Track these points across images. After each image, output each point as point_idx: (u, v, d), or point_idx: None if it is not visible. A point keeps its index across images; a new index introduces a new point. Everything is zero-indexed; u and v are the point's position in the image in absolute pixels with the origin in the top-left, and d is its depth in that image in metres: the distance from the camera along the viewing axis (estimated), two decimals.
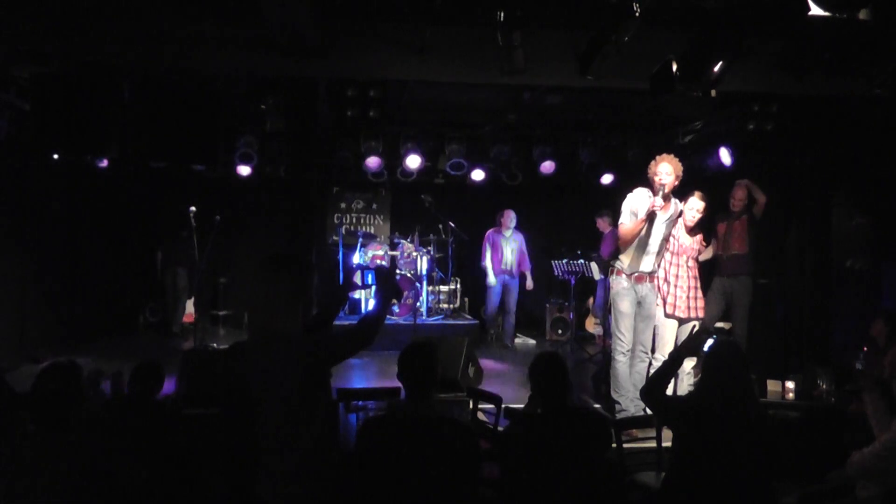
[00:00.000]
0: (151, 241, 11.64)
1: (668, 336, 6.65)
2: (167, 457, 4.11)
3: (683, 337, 6.56)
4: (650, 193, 6.31)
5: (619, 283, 6.41)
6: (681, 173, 6.30)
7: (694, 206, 6.84)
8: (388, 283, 3.52)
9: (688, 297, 6.75)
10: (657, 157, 6.32)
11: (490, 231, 10.72)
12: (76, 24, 6.10)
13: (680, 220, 6.79)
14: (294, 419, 3.05)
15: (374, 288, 3.75)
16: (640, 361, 6.40)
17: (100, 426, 3.54)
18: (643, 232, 6.27)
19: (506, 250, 10.59)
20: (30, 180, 9.05)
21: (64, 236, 10.05)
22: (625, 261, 6.39)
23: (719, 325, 8.21)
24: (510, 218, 10.64)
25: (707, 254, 7.68)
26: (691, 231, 6.93)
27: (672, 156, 6.32)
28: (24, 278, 8.94)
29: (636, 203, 6.31)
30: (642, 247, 6.34)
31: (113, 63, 6.39)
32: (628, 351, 6.36)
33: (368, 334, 3.25)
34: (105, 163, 9.84)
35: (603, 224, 10.79)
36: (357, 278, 3.78)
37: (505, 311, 10.75)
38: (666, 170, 6.21)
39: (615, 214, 6.75)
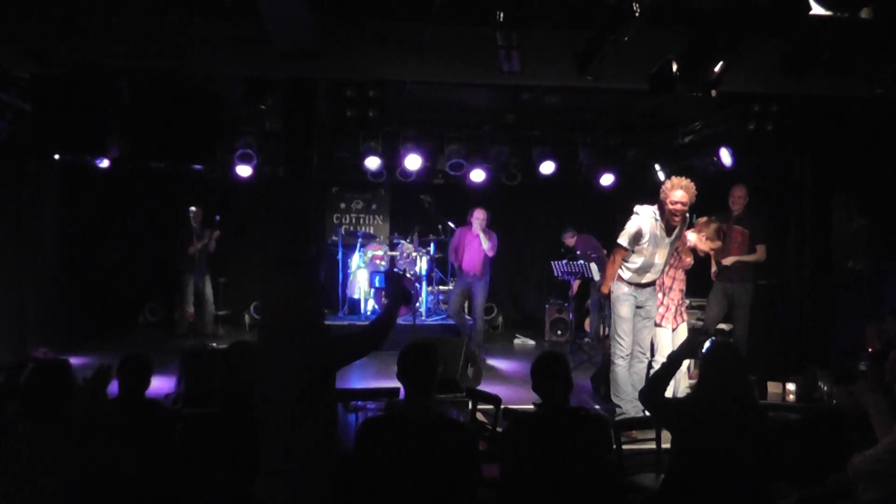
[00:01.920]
0: (153, 242, 11.66)
1: (665, 341, 6.67)
2: (166, 456, 4.09)
3: (680, 338, 6.57)
4: (656, 215, 6.23)
5: (620, 289, 6.37)
6: (694, 198, 6.17)
7: (711, 241, 7.04)
8: (399, 286, 3.53)
9: (676, 308, 6.83)
10: (672, 181, 6.16)
11: (458, 230, 10.17)
12: (76, 25, 6.11)
13: (689, 237, 6.86)
14: (296, 419, 3.04)
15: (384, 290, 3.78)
16: (638, 362, 6.39)
17: (97, 423, 3.52)
18: (647, 254, 6.28)
19: (469, 250, 9.92)
20: (30, 180, 9.04)
21: (64, 236, 10.05)
22: (626, 273, 6.35)
23: (720, 326, 8.20)
24: (477, 218, 9.93)
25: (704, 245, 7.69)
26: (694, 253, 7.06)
27: (687, 180, 6.16)
28: (24, 278, 8.94)
29: (641, 226, 6.22)
30: (647, 267, 6.31)
31: (112, 63, 6.39)
32: (628, 355, 6.33)
33: (378, 337, 3.27)
34: (105, 163, 9.86)
35: (569, 239, 10.86)
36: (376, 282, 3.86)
37: (472, 315, 10.11)
38: (681, 199, 6.07)
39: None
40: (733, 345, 4.27)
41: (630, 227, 6.27)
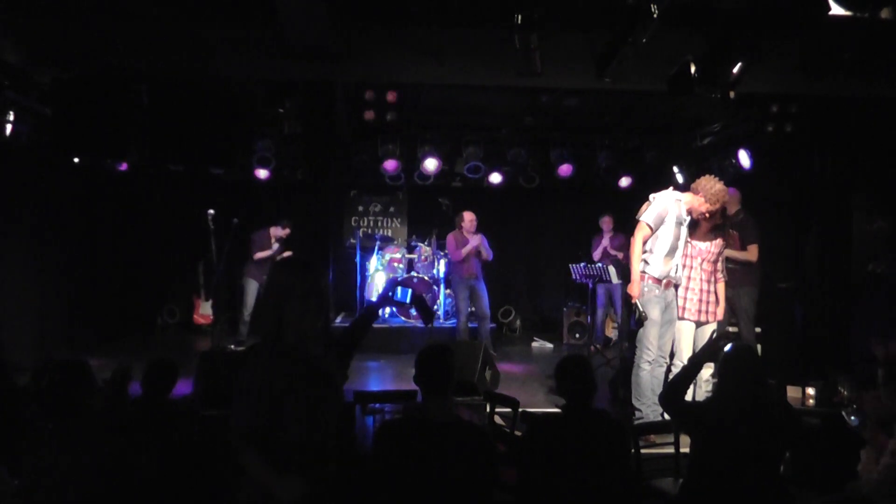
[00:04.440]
0: (171, 244, 11.75)
1: (685, 340, 6.50)
2: (183, 456, 4.12)
3: (701, 340, 6.46)
4: (679, 196, 6.35)
5: (652, 291, 6.25)
6: None
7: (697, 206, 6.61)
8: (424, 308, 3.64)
9: (699, 301, 6.49)
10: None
11: (451, 235, 10.13)
12: (96, 29, 6.15)
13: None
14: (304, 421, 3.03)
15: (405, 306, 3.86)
16: (658, 366, 6.31)
17: (115, 423, 3.55)
18: (672, 236, 6.26)
19: (468, 254, 9.96)
20: (50, 183, 9.12)
21: (83, 239, 10.13)
22: (655, 266, 6.25)
23: (733, 329, 8.12)
24: (469, 220, 10.04)
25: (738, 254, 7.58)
26: (705, 233, 6.62)
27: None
28: (43, 279, 9.02)
29: (665, 205, 6.26)
30: (672, 251, 6.26)
31: (132, 67, 6.43)
32: (654, 360, 6.26)
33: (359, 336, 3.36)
34: (124, 166, 9.93)
35: (606, 224, 10.79)
36: (398, 294, 3.87)
37: (479, 318, 10.06)
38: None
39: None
40: (751, 348, 4.24)
41: (656, 206, 6.28)
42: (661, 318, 6.28)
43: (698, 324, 6.48)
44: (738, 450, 3.55)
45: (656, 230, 6.26)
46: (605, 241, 10.72)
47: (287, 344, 2.91)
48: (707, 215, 6.32)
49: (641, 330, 6.31)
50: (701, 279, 6.48)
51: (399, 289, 4.46)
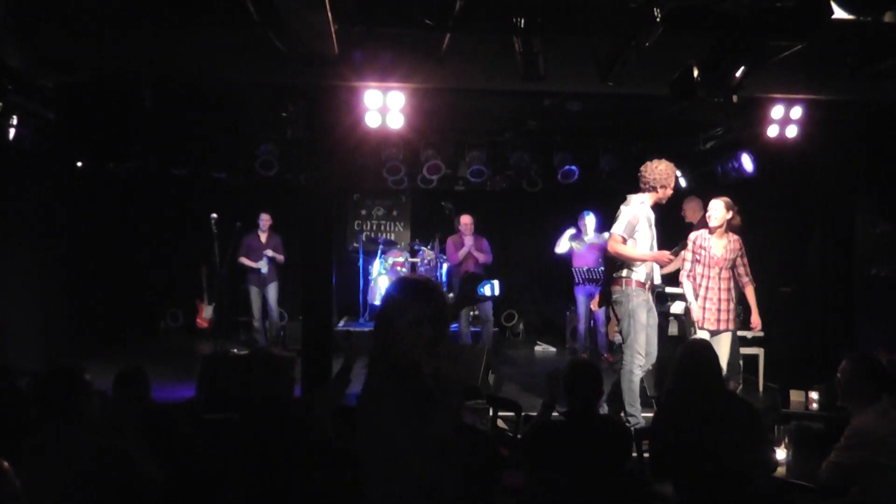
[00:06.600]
0: (174, 248, 11.77)
1: (724, 348, 6.48)
2: (185, 460, 4.11)
3: (717, 348, 6.36)
4: (644, 200, 6.41)
5: (639, 295, 6.27)
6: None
7: (715, 210, 6.56)
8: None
9: (718, 310, 6.47)
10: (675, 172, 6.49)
11: (450, 239, 10.23)
12: (100, 34, 6.15)
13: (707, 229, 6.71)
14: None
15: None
16: (645, 370, 6.41)
17: (113, 428, 3.55)
18: (650, 237, 6.39)
19: (465, 258, 10.04)
20: (54, 187, 9.13)
21: (87, 242, 10.14)
22: (640, 270, 6.31)
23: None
24: (464, 224, 10.12)
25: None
26: (722, 239, 6.57)
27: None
28: (46, 283, 9.03)
29: (636, 213, 6.32)
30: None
31: (136, 72, 6.43)
32: (643, 365, 6.31)
33: None
34: (127, 170, 9.94)
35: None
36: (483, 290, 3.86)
37: (482, 321, 10.10)
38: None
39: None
40: (707, 343, 4.29)
41: (625, 215, 6.35)
42: (647, 322, 6.33)
43: (714, 333, 6.48)
44: (709, 444, 3.59)
45: (630, 238, 6.33)
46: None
47: (395, 365, 2.71)
48: (669, 194, 6.47)
49: (632, 335, 6.29)
50: (719, 288, 6.49)
51: (487, 284, 4.47)
